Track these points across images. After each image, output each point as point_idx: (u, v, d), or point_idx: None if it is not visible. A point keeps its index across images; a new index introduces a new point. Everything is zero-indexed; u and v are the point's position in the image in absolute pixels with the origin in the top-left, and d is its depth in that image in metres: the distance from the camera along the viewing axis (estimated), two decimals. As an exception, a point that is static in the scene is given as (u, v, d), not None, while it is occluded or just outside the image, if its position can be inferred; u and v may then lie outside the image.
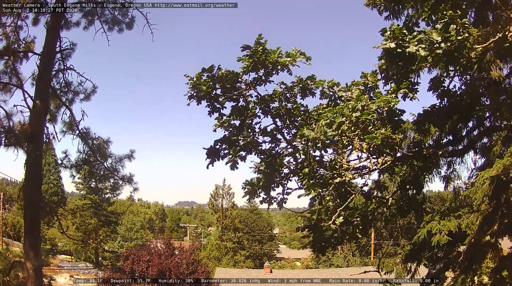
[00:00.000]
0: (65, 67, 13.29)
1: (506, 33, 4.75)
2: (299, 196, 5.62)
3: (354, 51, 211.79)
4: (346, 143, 5.13)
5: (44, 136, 12.41)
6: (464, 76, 7.30)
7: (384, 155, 5.35)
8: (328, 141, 5.27)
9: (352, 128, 4.89)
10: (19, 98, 12.02)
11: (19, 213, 45.77)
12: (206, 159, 5.71)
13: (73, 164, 13.69)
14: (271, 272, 32.58)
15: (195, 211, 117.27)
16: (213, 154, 5.64)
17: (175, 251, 21.84)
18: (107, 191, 53.35)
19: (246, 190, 5.73)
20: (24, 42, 13.00)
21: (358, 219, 6.06)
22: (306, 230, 5.69)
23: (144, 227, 60.45)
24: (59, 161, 14.04)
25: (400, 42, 4.85)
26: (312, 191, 5.21)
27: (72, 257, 53.63)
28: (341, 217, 5.50)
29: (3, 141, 11.81)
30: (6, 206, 53.21)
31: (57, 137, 13.07)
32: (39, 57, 12.16)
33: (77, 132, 13.44)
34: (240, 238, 53.00)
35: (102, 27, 13.81)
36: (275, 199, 5.85)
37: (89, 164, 13.84)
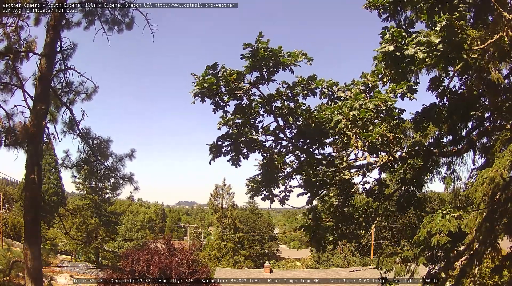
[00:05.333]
0: (66, 67, 13.32)
1: (504, 34, 4.78)
2: (298, 195, 5.66)
3: (355, 51, 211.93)
4: (345, 141, 5.16)
5: (45, 136, 12.43)
6: (464, 76, 7.33)
7: (381, 153, 5.39)
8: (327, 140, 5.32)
9: (350, 126, 4.92)
10: (20, 98, 12.05)
11: (19, 213, 45.82)
12: (209, 155, 5.75)
13: (74, 164, 13.72)
14: (271, 272, 32.60)
15: (195, 211, 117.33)
16: (216, 150, 5.68)
17: (175, 251, 21.85)
18: (107, 191, 53.45)
19: (249, 187, 5.78)
20: (25, 42, 13.02)
21: (362, 216, 6.10)
22: (303, 229, 5.73)
23: (144, 227, 60.45)
24: (60, 161, 14.08)
25: (399, 45, 4.89)
26: (311, 188, 5.25)
27: (72, 257, 53.65)
28: (339, 214, 5.56)
29: (3, 141, 11.83)
30: (6, 206, 53.21)
31: (57, 137, 13.09)
32: (40, 57, 12.19)
33: (78, 132, 13.47)
34: (240, 238, 53.00)
35: (102, 27, 13.86)
36: (277, 197, 5.91)
37: (90, 163, 13.87)
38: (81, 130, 13.52)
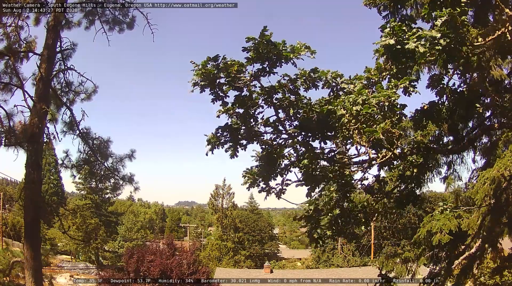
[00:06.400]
0: (66, 67, 13.32)
1: (506, 30, 4.76)
2: (297, 185, 5.62)
3: (353, 50, 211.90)
4: (347, 135, 5.12)
5: (45, 136, 12.42)
6: (465, 75, 7.30)
7: (384, 149, 5.35)
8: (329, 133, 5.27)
9: (353, 121, 4.88)
10: (20, 98, 12.06)
11: (19, 213, 45.74)
12: (206, 146, 5.67)
13: (74, 164, 13.70)
14: (271, 272, 32.56)
15: (195, 211, 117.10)
16: (214, 141, 5.60)
17: (176, 251, 21.83)
18: (108, 191, 53.40)
19: (246, 178, 5.72)
20: (25, 42, 13.02)
21: (361, 212, 6.05)
22: (303, 220, 5.69)
23: (144, 227, 60.42)
24: (60, 161, 14.06)
25: (399, 39, 4.85)
26: (311, 182, 5.20)
27: (72, 258, 53.62)
28: (338, 209, 5.52)
29: (3, 141, 11.82)
30: (6, 206, 53.18)
31: (57, 137, 13.08)
32: (40, 57, 12.18)
33: (78, 132, 13.46)
34: (240, 238, 52.98)
35: (102, 27, 13.86)
36: (274, 190, 5.85)
37: (90, 164, 13.86)
38: (81, 130, 13.51)
